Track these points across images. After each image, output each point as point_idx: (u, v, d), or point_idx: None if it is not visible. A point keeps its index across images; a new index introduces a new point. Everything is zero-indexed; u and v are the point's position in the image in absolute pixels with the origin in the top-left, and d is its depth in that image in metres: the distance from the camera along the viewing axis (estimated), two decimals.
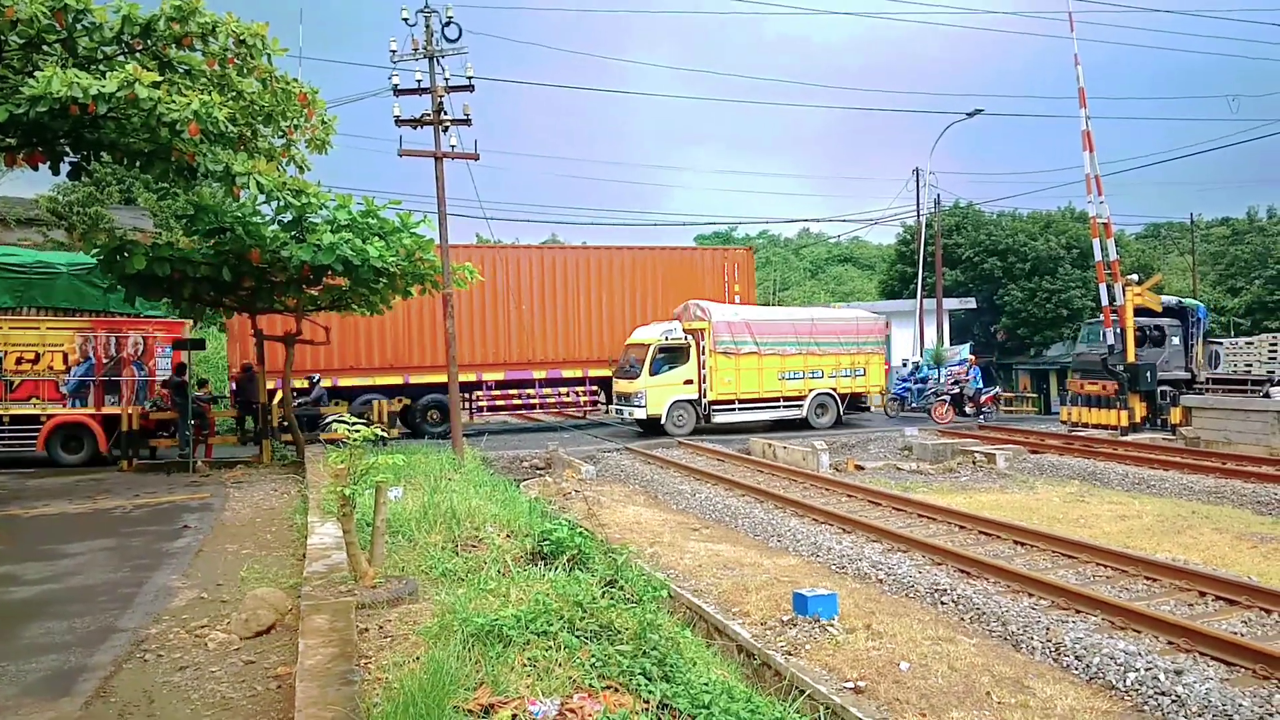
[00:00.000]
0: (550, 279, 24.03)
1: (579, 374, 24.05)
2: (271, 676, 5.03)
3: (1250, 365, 27.00)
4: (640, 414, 21.50)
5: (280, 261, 12.72)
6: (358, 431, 6.08)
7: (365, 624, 5.62)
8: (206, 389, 19.90)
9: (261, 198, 11.66)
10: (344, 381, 21.25)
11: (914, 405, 24.73)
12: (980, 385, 24.60)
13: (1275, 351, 26.41)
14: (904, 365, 26.32)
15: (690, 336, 21.95)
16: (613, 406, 22.75)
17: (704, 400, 22.06)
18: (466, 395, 22.46)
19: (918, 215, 37.43)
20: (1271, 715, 5.79)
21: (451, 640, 4.64)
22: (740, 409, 22.57)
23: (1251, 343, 28.19)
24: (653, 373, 21.45)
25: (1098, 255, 21.83)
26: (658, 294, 24.92)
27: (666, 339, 21.70)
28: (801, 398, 23.27)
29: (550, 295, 23.92)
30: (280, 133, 12.59)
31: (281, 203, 11.94)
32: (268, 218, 12.98)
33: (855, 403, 24.73)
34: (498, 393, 23.36)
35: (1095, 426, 21.27)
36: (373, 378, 21.83)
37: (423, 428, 22.13)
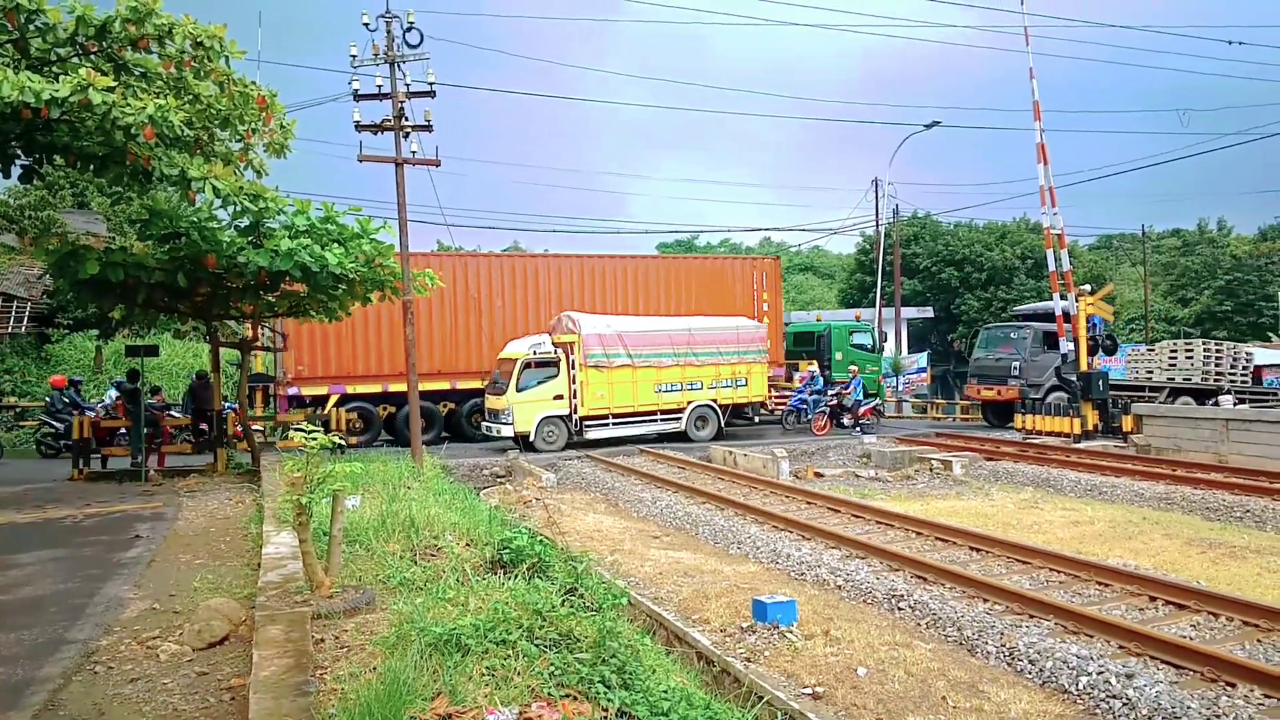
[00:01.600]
0: (589, 288, 24.69)
1: None
2: (225, 688, 4.96)
3: (1151, 371, 27.94)
4: (508, 430, 20.44)
5: (237, 267, 12.56)
6: (314, 439, 6.02)
7: (321, 634, 5.56)
8: (159, 396, 19.61)
9: (218, 202, 11.51)
10: (393, 387, 21.65)
11: (810, 417, 23.78)
12: (860, 398, 23.69)
13: (1175, 359, 27.23)
14: (810, 377, 25.12)
15: (560, 350, 20.95)
16: (483, 424, 21.52)
17: (575, 416, 21.08)
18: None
19: (877, 225, 37.89)
20: (1218, 717, 5.92)
21: (409, 650, 4.60)
22: (615, 424, 21.67)
23: (1153, 349, 29.16)
24: (520, 388, 20.38)
25: (1051, 266, 22.20)
26: (691, 303, 25.60)
27: (534, 353, 20.67)
28: (680, 410, 22.35)
29: (589, 304, 24.28)
30: (238, 137, 12.44)
31: (238, 207, 11.77)
32: (224, 223, 12.81)
33: (739, 413, 23.98)
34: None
35: (1049, 434, 21.60)
36: (420, 383, 21.61)
37: (467, 430, 23.07)
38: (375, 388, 21.96)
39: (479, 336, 23.03)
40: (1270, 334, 44.20)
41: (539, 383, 20.71)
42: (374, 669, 4.65)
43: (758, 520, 13.23)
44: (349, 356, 21.68)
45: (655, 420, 22.25)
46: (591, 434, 21.37)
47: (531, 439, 20.62)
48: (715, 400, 22.73)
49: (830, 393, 24.21)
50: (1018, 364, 24.78)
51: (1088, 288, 23.32)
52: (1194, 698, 6.24)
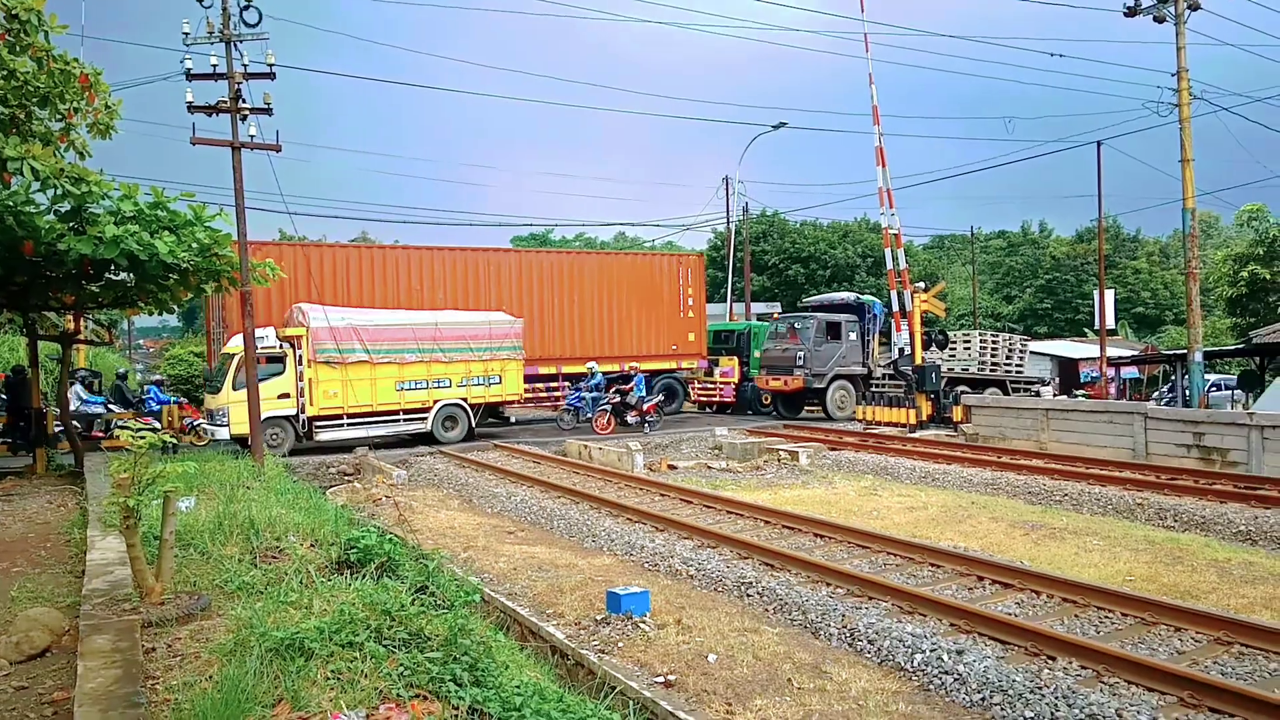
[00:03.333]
0: (527, 283, 25.73)
1: (553, 370, 25.74)
2: (47, 702, 4.64)
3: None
4: (223, 432, 18.56)
5: (57, 255, 11.68)
6: (143, 438, 5.70)
7: (152, 643, 5.28)
8: None
9: (36, 185, 10.71)
10: None
11: (589, 415, 23.13)
12: (643, 394, 23.13)
13: (955, 350, 28.01)
14: (589, 374, 24.22)
15: (287, 344, 19.43)
16: (200, 424, 20.36)
17: (303, 416, 19.48)
18: (546, 386, 25.49)
19: (728, 222, 38.78)
20: (1040, 688, 6.34)
21: (248, 656, 4.42)
22: (350, 424, 20.09)
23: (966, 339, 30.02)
24: (236, 386, 18.08)
25: (889, 264, 23.30)
26: (622, 298, 26.93)
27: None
28: (426, 409, 20.92)
29: (525, 299, 25.39)
30: (59, 116, 11.61)
31: (59, 191, 10.97)
32: (43, 207, 11.92)
33: (494, 413, 22.79)
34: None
35: (888, 424, 22.63)
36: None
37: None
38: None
39: None
40: (1085, 330, 47.59)
41: (261, 380, 18.02)
42: (210, 677, 4.44)
43: (613, 513, 13.34)
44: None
45: (398, 421, 20.86)
46: (323, 435, 19.88)
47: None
48: (465, 399, 21.44)
49: (611, 390, 23.44)
50: (802, 355, 25.22)
51: (922, 285, 24.52)
52: (1019, 671, 6.66)
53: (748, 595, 9.10)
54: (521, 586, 9.53)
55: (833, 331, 25.72)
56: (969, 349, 28.25)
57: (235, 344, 19.12)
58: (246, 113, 14.81)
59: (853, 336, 26.15)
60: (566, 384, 25.46)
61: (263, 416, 17.34)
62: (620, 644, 7.61)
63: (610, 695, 6.29)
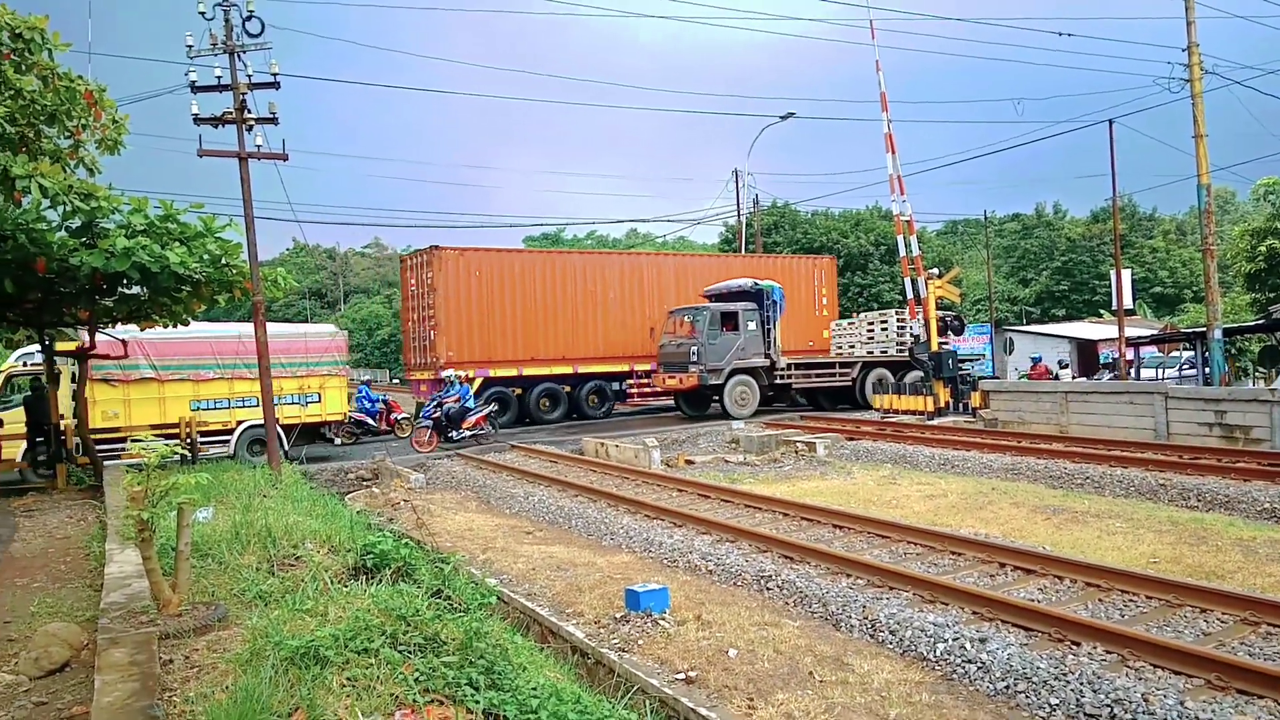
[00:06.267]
0: (681, 284, 28.22)
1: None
2: (65, 718, 4.65)
3: (854, 345, 27.85)
4: None
5: (69, 271, 11.77)
6: (153, 451, 5.70)
7: (170, 655, 5.28)
8: None
9: (46, 202, 10.78)
10: (526, 371, 25.54)
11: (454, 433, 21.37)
12: (470, 405, 21.41)
13: (873, 332, 27.40)
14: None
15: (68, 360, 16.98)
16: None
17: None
18: (617, 382, 27.19)
19: (738, 214, 38.66)
20: (1065, 675, 6.27)
21: (264, 665, 4.42)
22: None
23: (853, 323, 28.94)
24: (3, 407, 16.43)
25: (902, 251, 23.16)
26: None
27: (25, 364, 17.38)
28: (229, 431, 18.93)
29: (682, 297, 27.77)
30: (66, 133, 11.68)
31: (69, 207, 11.04)
32: (54, 224, 12.00)
33: (317, 434, 20.65)
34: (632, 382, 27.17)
35: (905, 412, 22.52)
36: (549, 367, 25.98)
37: (585, 410, 26.57)
38: (511, 371, 25.33)
39: (593, 326, 26.76)
40: (1102, 311, 47.23)
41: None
42: (226, 688, 4.44)
43: (630, 510, 13.32)
44: (494, 343, 25.01)
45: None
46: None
47: (19, 470, 16.31)
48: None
49: (432, 403, 21.64)
50: (696, 349, 23.65)
51: (936, 271, 24.37)
52: (1043, 658, 6.59)
53: (767, 589, 9.05)
54: (540, 586, 9.51)
55: (729, 322, 24.02)
56: (885, 329, 27.02)
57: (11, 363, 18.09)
58: (252, 123, 14.85)
59: (751, 326, 24.51)
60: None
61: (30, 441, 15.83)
62: (640, 641, 7.58)
63: (630, 693, 6.26)
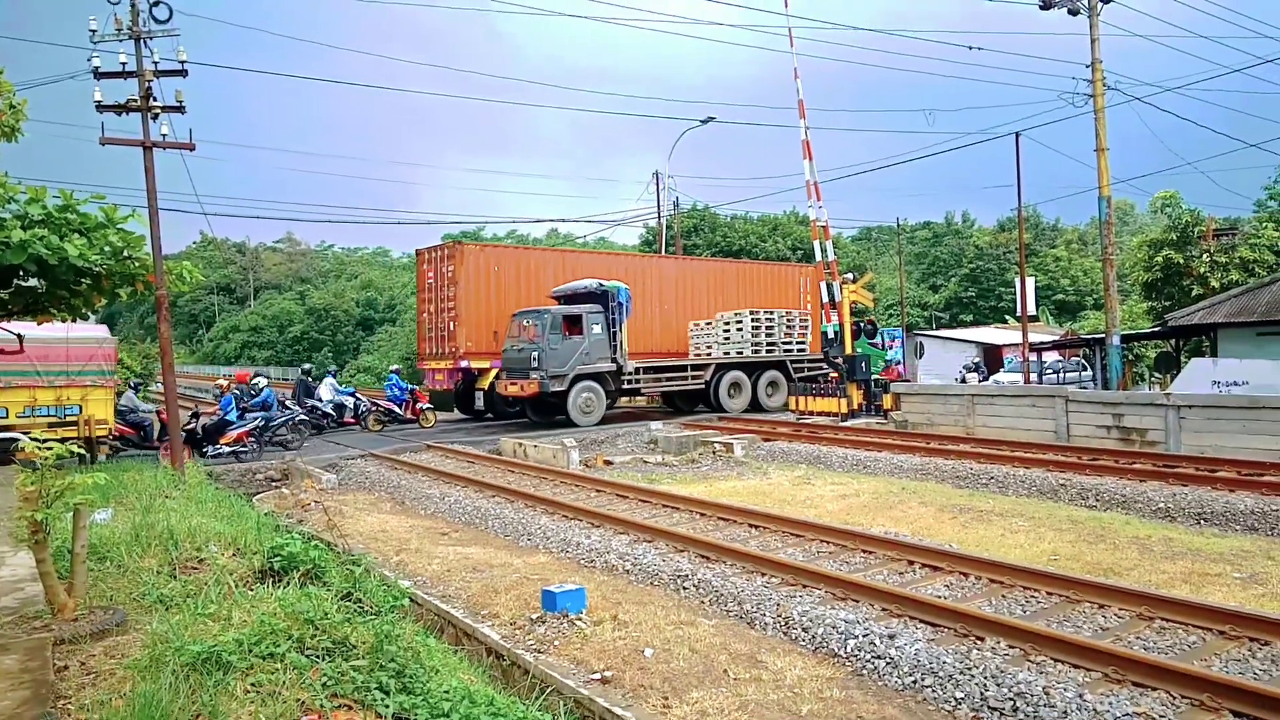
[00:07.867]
0: (674, 286, 28.77)
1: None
2: None
3: (710, 347, 26.80)
4: None
5: None
6: (49, 449, 5.47)
7: (65, 661, 5.06)
8: None
9: None
10: None
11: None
12: (233, 419, 19.24)
13: (729, 333, 26.57)
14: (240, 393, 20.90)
15: None
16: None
17: None
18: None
19: (659, 216, 38.83)
20: (970, 669, 6.43)
21: (164, 671, 4.26)
22: None
23: (711, 324, 27.61)
24: None
25: (818, 256, 23.60)
26: (761, 301, 29.10)
27: None
28: None
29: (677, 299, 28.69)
30: None
31: None
32: None
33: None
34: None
35: (820, 414, 22.90)
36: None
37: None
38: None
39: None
40: (1007, 316, 48.74)
41: None
42: (124, 695, 4.27)
43: (548, 510, 13.25)
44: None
45: None
46: None
47: None
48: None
49: (188, 416, 19.64)
50: (537, 354, 22.17)
51: (851, 276, 24.84)
52: (949, 653, 6.76)
53: (684, 588, 9.10)
54: (455, 588, 9.39)
55: (572, 325, 22.70)
56: (740, 329, 26.18)
57: None
58: (158, 111, 14.35)
59: (596, 329, 23.14)
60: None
61: None
62: (556, 642, 7.55)
63: (545, 694, 6.22)
